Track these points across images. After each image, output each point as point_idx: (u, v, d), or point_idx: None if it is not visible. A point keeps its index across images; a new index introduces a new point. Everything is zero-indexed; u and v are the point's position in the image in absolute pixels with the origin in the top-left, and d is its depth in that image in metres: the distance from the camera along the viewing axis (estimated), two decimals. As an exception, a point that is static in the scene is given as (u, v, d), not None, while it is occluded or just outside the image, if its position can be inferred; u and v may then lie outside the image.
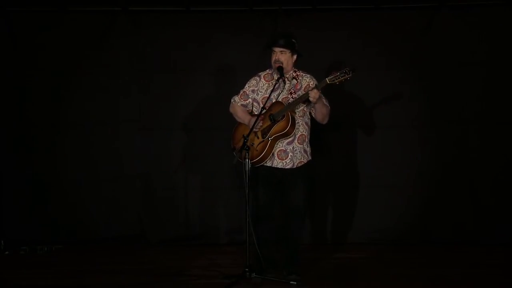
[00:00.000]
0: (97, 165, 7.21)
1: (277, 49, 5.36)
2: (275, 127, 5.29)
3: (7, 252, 6.81)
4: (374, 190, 7.07)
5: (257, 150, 5.31)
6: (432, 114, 7.09)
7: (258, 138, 5.33)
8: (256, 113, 5.43)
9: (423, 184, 7.08)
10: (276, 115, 5.28)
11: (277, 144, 5.34)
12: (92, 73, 7.21)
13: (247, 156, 5.18)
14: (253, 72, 5.59)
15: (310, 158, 5.48)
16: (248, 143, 5.21)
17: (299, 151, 5.40)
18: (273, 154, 5.35)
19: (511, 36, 7.00)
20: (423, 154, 7.09)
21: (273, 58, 5.38)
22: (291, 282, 5.16)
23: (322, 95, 5.29)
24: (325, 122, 5.46)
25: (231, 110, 5.58)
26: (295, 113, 5.36)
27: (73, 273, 5.87)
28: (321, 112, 5.35)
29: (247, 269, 5.17)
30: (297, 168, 5.39)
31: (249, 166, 5.20)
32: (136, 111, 7.24)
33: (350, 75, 5.16)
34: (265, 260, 5.34)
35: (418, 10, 7.07)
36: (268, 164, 5.36)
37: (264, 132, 5.31)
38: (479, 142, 7.03)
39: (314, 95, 5.17)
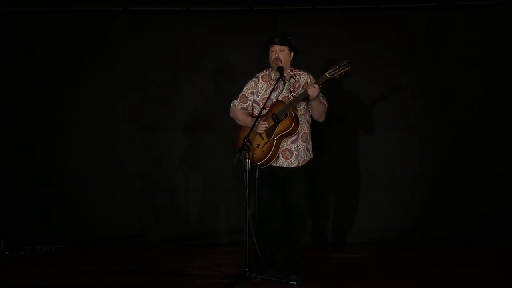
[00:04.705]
0: (97, 165, 7.21)
1: (276, 47, 5.37)
2: (279, 127, 5.29)
3: (7, 252, 6.81)
4: (374, 190, 7.07)
5: (263, 151, 5.31)
6: (432, 114, 7.09)
7: (263, 139, 5.33)
8: (257, 114, 5.43)
9: (423, 184, 7.08)
10: (279, 114, 5.28)
11: (282, 143, 5.34)
12: (92, 73, 7.21)
13: (247, 156, 5.18)
14: (253, 72, 5.59)
15: (312, 156, 5.50)
16: (253, 144, 5.22)
17: (303, 150, 5.41)
18: (278, 154, 5.35)
19: (511, 36, 7.00)
20: (423, 154, 7.09)
21: (272, 57, 5.38)
22: (291, 282, 5.16)
23: (320, 93, 5.29)
24: (321, 119, 5.46)
25: (231, 114, 5.58)
26: (298, 111, 5.36)
27: (73, 273, 5.87)
28: (318, 109, 5.36)
29: (247, 269, 5.17)
30: (302, 166, 5.40)
31: (249, 166, 5.20)
32: (136, 111, 7.24)
33: (349, 67, 5.18)
34: (265, 260, 5.34)
35: (418, 10, 7.07)
36: (273, 164, 5.36)
37: (269, 133, 5.31)
38: (479, 142, 7.03)
39: (313, 91, 5.17)
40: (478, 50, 7.03)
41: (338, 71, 5.19)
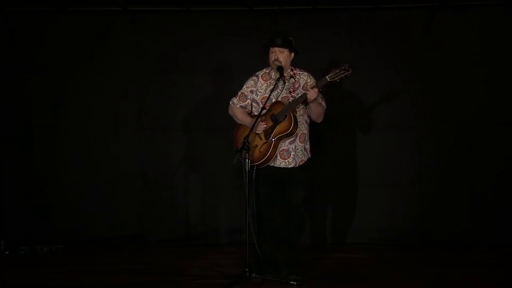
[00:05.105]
0: (97, 165, 7.21)
1: (276, 49, 5.36)
2: (278, 128, 5.29)
3: (7, 252, 6.81)
4: (374, 190, 7.07)
5: (261, 152, 5.31)
6: (432, 114, 7.09)
7: (261, 139, 5.33)
8: (255, 113, 5.43)
9: (423, 184, 7.08)
10: (278, 116, 5.28)
11: (280, 144, 5.34)
12: (92, 73, 7.21)
13: (247, 156, 5.18)
14: (253, 72, 5.58)
15: (309, 156, 5.50)
16: (251, 145, 5.22)
17: (300, 150, 5.41)
18: (276, 154, 5.35)
19: (511, 36, 6.99)
20: (423, 154, 7.09)
21: (272, 58, 5.37)
22: (291, 282, 5.16)
23: (319, 94, 5.28)
24: (319, 121, 5.47)
25: (230, 112, 5.58)
26: (296, 111, 5.37)
27: (73, 273, 5.87)
28: (316, 111, 5.36)
29: (247, 269, 5.16)
30: (299, 167, 5.40)
31: (249, 166, 5.20)
32: (136, 111, 7.25)
33: (350, 71, 5.17)
34: (265, 260, 5.34)
35: (418, 10, 7.07)
36: (271, 164, 5.36)
37: (267, 133, 5.32)
38: (479, 142, 7.03)
39: (312, 94, 5.17)
40: (478, 50, 7.03)
41: (339, 75, 5.19)
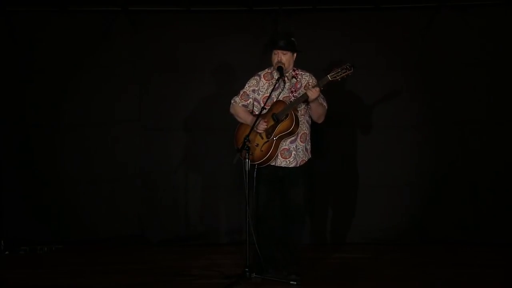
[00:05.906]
0: (97, 165, 7.21)
1: (279, 51, 5.36)
2: (279, 127, 5.30)
3: (7, 252, 6.81)
4: (374, 190, 7.07)
5: (262, 151, 5.32)
6: (432, 114, 7.10)
7: (262, 138, 5.34)
8: (257, 112, 5.43)
9: (423, 184, 7.08)
10: (280, 115, 5.29)
11: (281, 143, 5.35)
12: (92, 73, 7.21)
13: (247, 156, 5.18)
14: (254, 72, 5.59)
15: (310, 156, 5.50)
16: (252, 144, 5.22)
17: (301, 150, 5.41)
18: (277, 153, 5.35)
19: (511, 36, 6.99)
20: (423, 154, 7.09)
21: (275, 60, 5.38)
22: (291, 282, 5.17)
23: (320, 94, 5.29)
24: (320, 121, 5.48)
25: (232, 111, 5.58)
26: (298, 111, 5.37)
27: (73, 273, 5.87)
28: (317, 111, 5.36)
29: (247, 269, 5.17)
30: (300, 166, 5.40)
31: (249, 165, 5.20)
32: (136, 111, 7.24)
33: (351, 70, 5.18)
34: (265, 260, 5.35)
35: (418, 10, 7.07)
36: (272, 163, 5.36)
37: (269, 132, 5.32)
38: (480, 143, 7.03)
39: (313, 93, 5.17)
40: (478, 50, 7.03)
41: (340, 74, 5.20)
